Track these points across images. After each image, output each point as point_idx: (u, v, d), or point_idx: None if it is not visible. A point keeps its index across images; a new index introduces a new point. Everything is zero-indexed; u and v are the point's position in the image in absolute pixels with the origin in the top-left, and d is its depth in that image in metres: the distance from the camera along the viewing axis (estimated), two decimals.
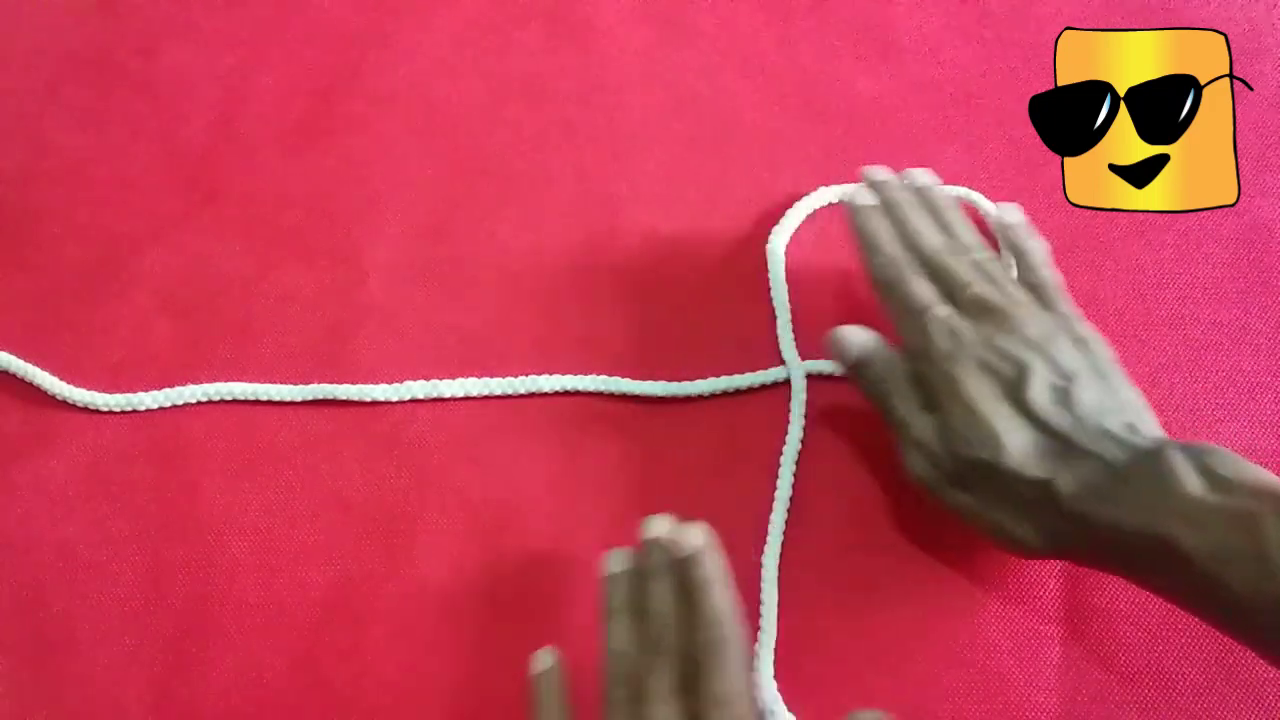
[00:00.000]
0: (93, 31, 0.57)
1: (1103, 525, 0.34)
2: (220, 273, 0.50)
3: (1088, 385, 0.38)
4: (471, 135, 0.53)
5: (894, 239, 0.43)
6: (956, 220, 0.45)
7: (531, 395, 0.46)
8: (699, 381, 0.46)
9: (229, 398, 0.46)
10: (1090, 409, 0.37)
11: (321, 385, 0.46)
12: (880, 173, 0.47)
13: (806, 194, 0.50)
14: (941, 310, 0.40)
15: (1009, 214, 0.45)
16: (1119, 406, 0.38)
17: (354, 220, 0.51)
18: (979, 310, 0.40)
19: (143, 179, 0.52)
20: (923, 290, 0.41)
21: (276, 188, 0.52)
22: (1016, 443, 0.37)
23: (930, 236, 0.43)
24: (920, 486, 0.40)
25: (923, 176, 0.47)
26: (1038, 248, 0.44)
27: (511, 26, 0.56)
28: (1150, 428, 0.37)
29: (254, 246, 0.50)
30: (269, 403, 0.46)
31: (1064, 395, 0.37)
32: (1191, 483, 0.33)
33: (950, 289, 0.41)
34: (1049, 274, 0.43)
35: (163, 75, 0.55)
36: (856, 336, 0.42)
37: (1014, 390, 0.38)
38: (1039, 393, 0.37)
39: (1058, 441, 0.37)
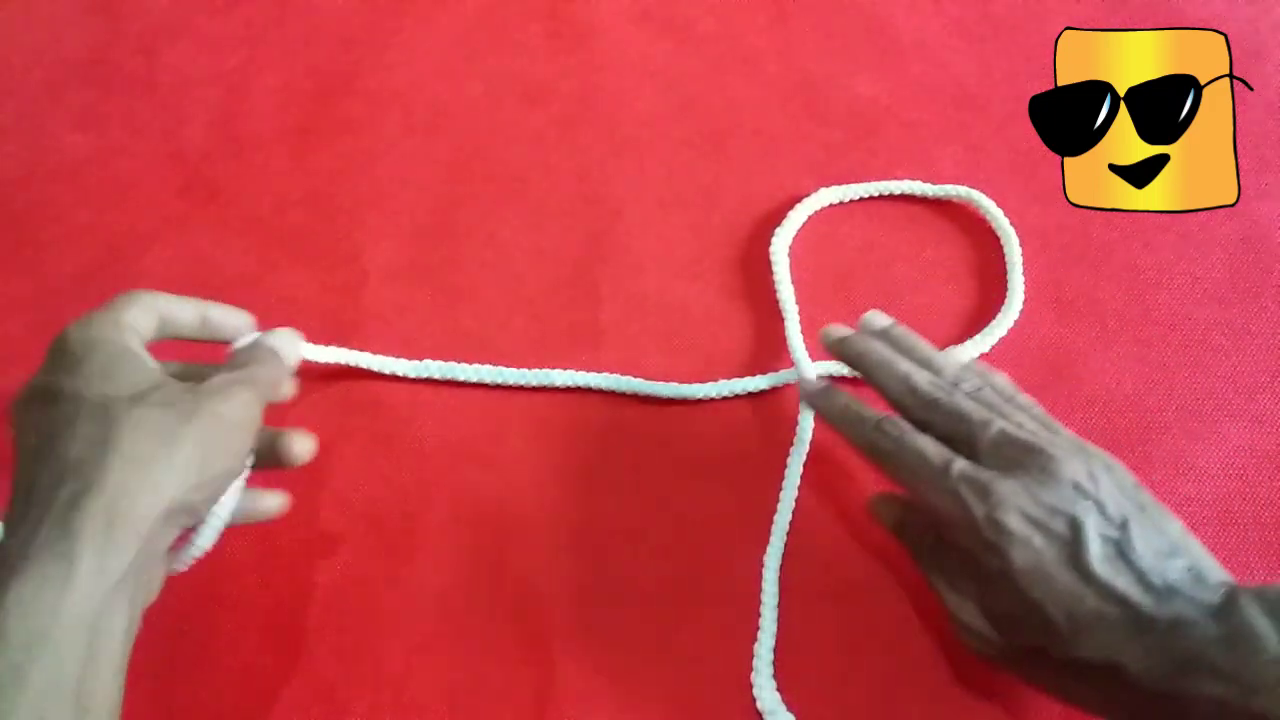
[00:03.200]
0: (93, 32, 0.57)
1: (1187, 700, 0.31)
2: (221, 273, 0.50)
3: (1140, 529, 0.33)
4: (472, 135, 0.53)
5: (862, 404, 0.40)
6: (933, 353, 0.40)
7: (540, 389, 0.46)
8: (710, 384, 0.46)
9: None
10: (1149, 559, 0.32)
11: (343, 349, 0.46)
12: (837, 330, 0.42)
13: (807, 195, 0.50)
14: (963, 466, 0.35)
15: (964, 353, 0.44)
16: (1171, 547, 0.33)
17: (354, 220, 0.51)
18: (1003, 453, 0.35)
19: (143, 179, 0.52)
20: (930, 448, 0.36)
21: (277, 188, 0.52)
22: (1075, 622, 0.32)
23: (920, 376, 0.38)
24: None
25: (879, 318, 0.42)
26: (1004, 378, 0.40)
27: (511, 27, 0.56)
28: (1210, 567, 0.33)
29: (254, 247, 0.50)
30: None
31: (1120, 549, 0.33)
32: (1274, 645, 0.30)
33: (964, 432, 0.36)
34: (1026, 397, 0.39)
35: (163, 76, 0.56)
36: (888, 507, 0.41)
37: (1069, 554, 0.33)
38: (1096, 552, 0.33)
39: (1123, 609, 0.32)
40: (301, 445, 0.40)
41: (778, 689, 0.39)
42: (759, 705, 0.39)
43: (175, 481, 0.33)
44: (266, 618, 0.42)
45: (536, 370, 0.46)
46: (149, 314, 0.38)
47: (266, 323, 0.48)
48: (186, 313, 0.40)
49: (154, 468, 0.32)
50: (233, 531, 0.44)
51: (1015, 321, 0.47)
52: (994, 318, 0.47)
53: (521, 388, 0.46)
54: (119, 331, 0.37)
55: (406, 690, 0.41)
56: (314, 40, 0.56)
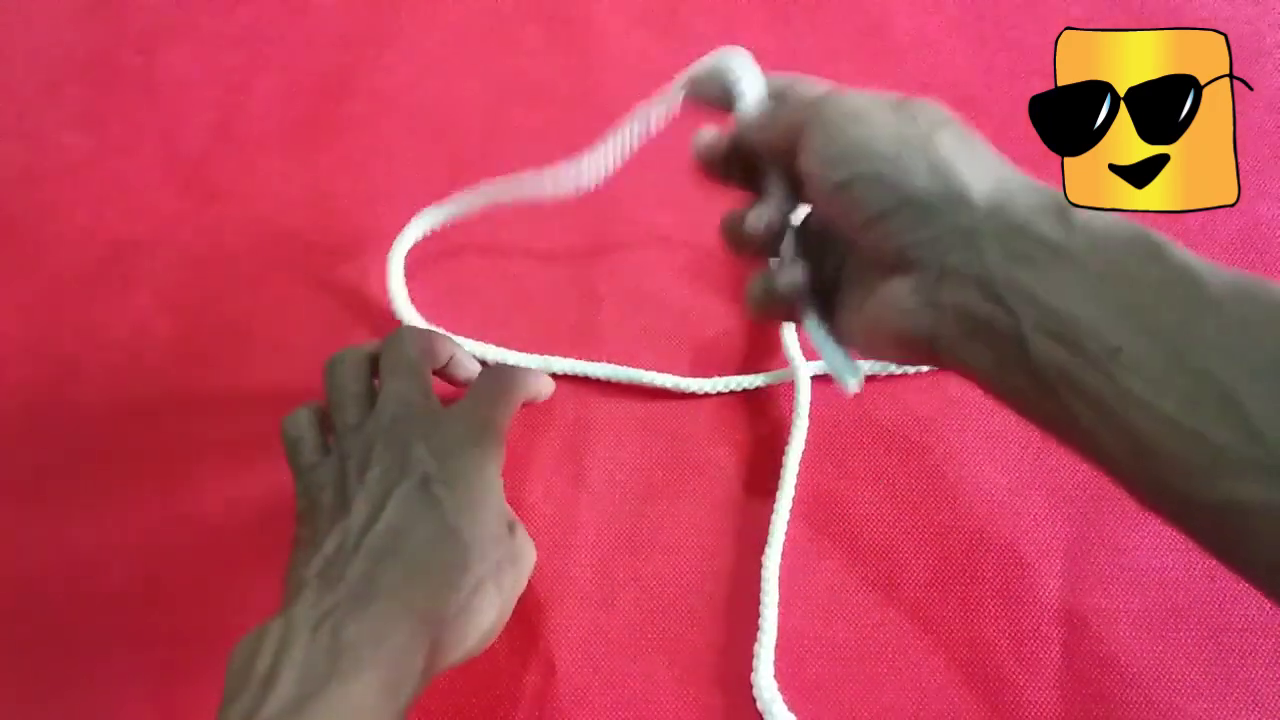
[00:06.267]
0: (93, 31, 0.57)
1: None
2: (220, 273, 0.50)
3: None
4: (471, 135, 0.53)
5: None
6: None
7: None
8: (705, 380, 0.46)
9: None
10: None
11: None
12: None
13: None
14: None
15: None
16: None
17: (354, 220, 0.51)
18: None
19: (143, 179, 0.52)
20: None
21: (276, 188, 0.52)
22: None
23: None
24: None
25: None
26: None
27: (511, 27, 0.56)
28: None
29: (254, 246, 0.50)
30: (265, 401, 0.46)
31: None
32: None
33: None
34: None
35: (163, 75, 0.56)
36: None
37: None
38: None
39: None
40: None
41: (778, 689, 0.39)
42: (759, 705, 0.39)
43: (436, 612, 0.34)
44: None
45: (536, 356, 0.46)
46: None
47: (265, 323, 0.49)
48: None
49: (420, 614, 0.33)
50: (234, 529, 0.44)
51: None
52: None
53: None
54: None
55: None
56: (314, 40, 0.56)
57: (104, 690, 0.41)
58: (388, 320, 0.48)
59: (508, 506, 0.38)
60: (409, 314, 0.47)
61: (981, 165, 0.31)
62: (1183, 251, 0.26)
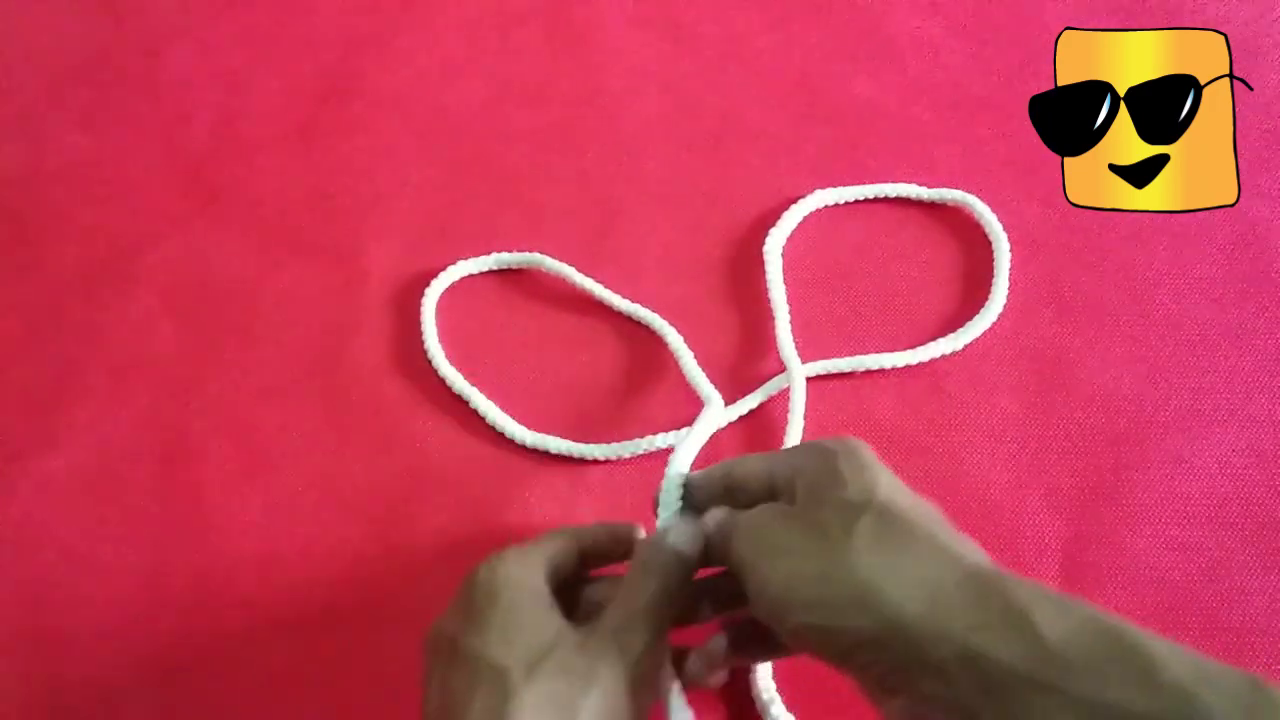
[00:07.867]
0: (95, 33, 0.57)
1: None
2: (222, 273, 0.50)
3: None
4: (472, 136, 0.53)
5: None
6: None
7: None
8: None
9: None
10: None
11: None
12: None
13: (805, 195, 0.50)
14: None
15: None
16: None
17: (356, 221, 0.51)
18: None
19: (145, 180, 0.53)
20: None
21: (278, 188, 0.52)
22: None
23: None
24: None
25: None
26: None
27: (512, 28, 0.56)
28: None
29: (256, 247, 0.50)
30: (267, 401, 0.47)
31: None
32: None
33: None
34: None
35: (165, 76, 0.56)
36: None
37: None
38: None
39: None
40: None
41: (777, 690, 0.39)
42: (758, 706, 0.39)
43: None
44: (267, 618, 0.42)
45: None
46: (568, 554, 0.36)
47: (267, 323, 0.49)
48: (602, 544, 0.38)
49: None
50: (235, 531, 0.44)
51: (993, 323, 0.47)
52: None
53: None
54: (527, 571, 0.34)
55: (405, 689, 0.41)
56: (315, 41, 0.56)
57: (102, 680, 0.42)
58: (387, 320, 0.48)
59: None
60: (438, 355, 0.47)
61: (907, 570, 0.29)
62: (1174, 663, 0.25)
